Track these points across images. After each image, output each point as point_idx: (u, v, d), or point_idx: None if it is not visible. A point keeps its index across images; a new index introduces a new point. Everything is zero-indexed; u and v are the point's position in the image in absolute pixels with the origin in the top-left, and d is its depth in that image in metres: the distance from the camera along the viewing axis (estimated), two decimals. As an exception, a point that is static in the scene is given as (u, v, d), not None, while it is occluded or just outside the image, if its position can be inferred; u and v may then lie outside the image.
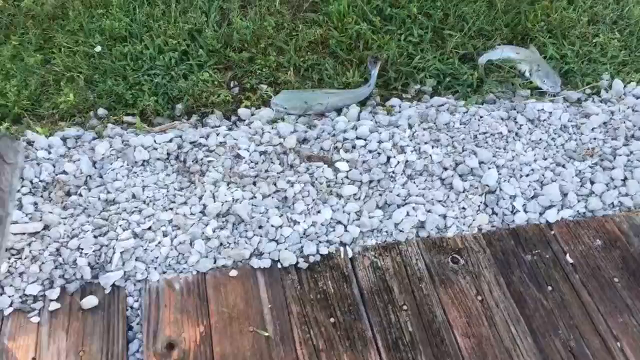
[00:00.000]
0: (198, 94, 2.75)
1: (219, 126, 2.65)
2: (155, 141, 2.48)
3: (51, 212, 2.20)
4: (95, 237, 2.15)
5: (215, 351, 1.90)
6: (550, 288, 2.11)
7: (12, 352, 1.86)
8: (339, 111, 2.78)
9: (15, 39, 2.93)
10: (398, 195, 2.36)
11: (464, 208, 2.36)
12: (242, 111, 2.74)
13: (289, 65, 2.92)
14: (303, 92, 2.80)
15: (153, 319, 1.96)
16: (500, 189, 2.40)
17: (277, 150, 2.50)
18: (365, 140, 2.55)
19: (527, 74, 2.95)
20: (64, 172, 2.35)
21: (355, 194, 2.37)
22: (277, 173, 2.40)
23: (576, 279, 2.14)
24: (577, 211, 2.37)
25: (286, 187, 2.35)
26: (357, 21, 3.06)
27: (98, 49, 2.86)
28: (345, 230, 2.26)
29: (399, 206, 2.33)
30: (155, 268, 2.10)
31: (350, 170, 2.43)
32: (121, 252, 2.10)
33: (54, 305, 1.98)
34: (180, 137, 2.52)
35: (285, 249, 2.17)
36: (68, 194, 2.30)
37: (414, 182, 2.42)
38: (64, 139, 2.51)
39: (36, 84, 2.72)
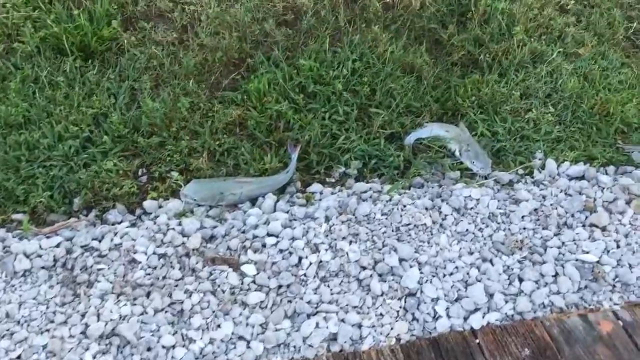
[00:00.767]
0: (99, 187, 2.52)
1: (121, 222, 2.43)
2: (40, 246, 2.23)
3: None
4: (-44, 368, 1.89)
5: None
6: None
7: None
8: (254, 200, 2.58)
9: None
10: (309, 302, 2.14)
11: (381, 314, 2.15)
12: (148, 203, 2.52)
13: (202, 150, 2.71)
14: (215, 181, 2.59)
15: None
16: (422, 292, 2.20)
17: (179, 251, 2.27)
18: (276, 237, 2.34)
19: (457, 154, 2.79)
20: None
21: (262, 302, 2.15)
22: (175, 280, 2.17)
23: (501, 399, 1.93)
24: (505, 313, 2.17)
25: (183, 297, 2.11)
26: (278, 99, 2.88)
27: (-10, 138, 2.64)
28: (248, 347, 2.03)
29: (309, 316, 2.11)
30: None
31: (258, 273, 2.21)
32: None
33: None
34: (71, 240, 2.28)
35: (177, 374, 1.93)
36: None
37: (328, 285, 2.21)
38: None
39: None
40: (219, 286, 2.17)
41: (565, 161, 2.77)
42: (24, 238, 2.29)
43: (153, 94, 2.88)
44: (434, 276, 2.25)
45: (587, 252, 2.34)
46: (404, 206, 2.49)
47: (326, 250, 2.29)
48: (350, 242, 2.34)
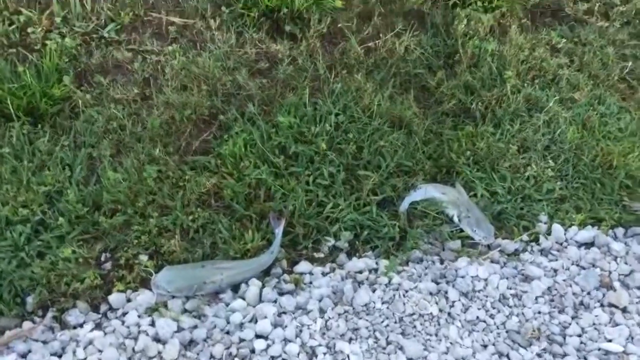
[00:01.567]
0: (56, 281, 2.18)
1: (83, 324, 2.10)
2: (-13, 370, 1.89)
3: None
4: None
5: None
6: None
7: None
8: (236, 287, 2.28)
9: None
10: (309, 423, 1.87)
11: None
12: (115, 298, 2.20)
13: (174, 228, 2.39)
14: (191, 268, 2.28)
15: None
16: (434, 402, 1.95)
17: (154, 365, 1.96)
18: (266, 340, 2.04)
19: (455, 220, 2.55)
20: None
21: None
22: (151, 407, 1.86)
23: None
24: (528, 422, 1.94)
25: None
26: (257, 164, 2.58)
27: None
28: None
29: None
30: None
31: (248, 389, 1.92)
32: None
33: None
34: (26, 357, 1.94)
35: None
36: None
37: (330, 399, 1.93)
38: None
39: None
40: (203, 411, 1.87)
41: (572, 225, 2.57)
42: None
43: (114, 162, 2.54)
44: (446, 381, 2.00)
45: (610, 341, 2.13)
46: (406, 291, 2.23)
47: (324, 354, 2.01)
48: (350, 340, 2.07)
